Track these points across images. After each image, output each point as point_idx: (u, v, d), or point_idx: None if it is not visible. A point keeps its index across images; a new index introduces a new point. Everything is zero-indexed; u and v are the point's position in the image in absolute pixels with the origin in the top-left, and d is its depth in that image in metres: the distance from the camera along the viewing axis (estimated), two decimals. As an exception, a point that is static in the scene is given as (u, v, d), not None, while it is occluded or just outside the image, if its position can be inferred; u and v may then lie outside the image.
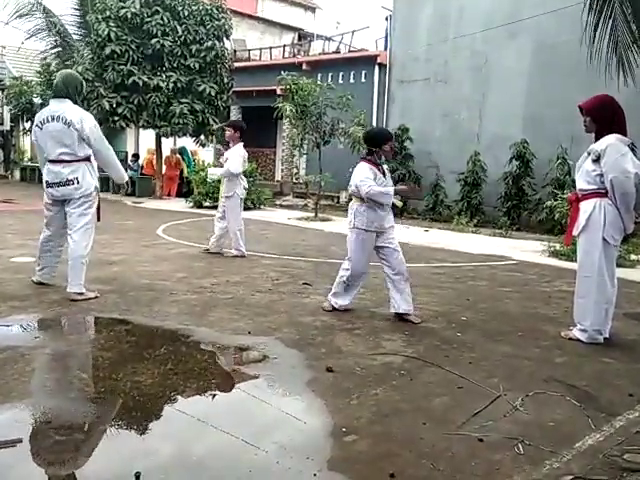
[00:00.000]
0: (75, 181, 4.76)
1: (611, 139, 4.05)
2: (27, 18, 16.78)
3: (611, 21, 6.75)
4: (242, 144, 7.29)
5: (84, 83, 5.19)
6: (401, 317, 4.65)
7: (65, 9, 17.81)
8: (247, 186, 7.65)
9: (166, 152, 16.57)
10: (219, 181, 7.68)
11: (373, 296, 5.36)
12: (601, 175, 4.07)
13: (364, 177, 4.62)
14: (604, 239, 4.08)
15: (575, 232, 4.28)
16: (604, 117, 4.14)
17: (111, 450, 2.51)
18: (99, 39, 13.76)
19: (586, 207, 4.16)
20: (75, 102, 4.88)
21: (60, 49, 17.59)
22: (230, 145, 7.38)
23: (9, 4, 16.43)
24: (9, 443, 2.45)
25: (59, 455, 2.43)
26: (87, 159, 4.85)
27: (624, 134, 4.11)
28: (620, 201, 4.04)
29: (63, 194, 4.82)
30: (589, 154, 4.17)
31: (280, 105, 12.30)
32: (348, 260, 4.80)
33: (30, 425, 2.67)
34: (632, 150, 4.16)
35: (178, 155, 17.01)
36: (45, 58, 18.36)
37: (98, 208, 4.94)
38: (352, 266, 4.76)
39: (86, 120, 4.76)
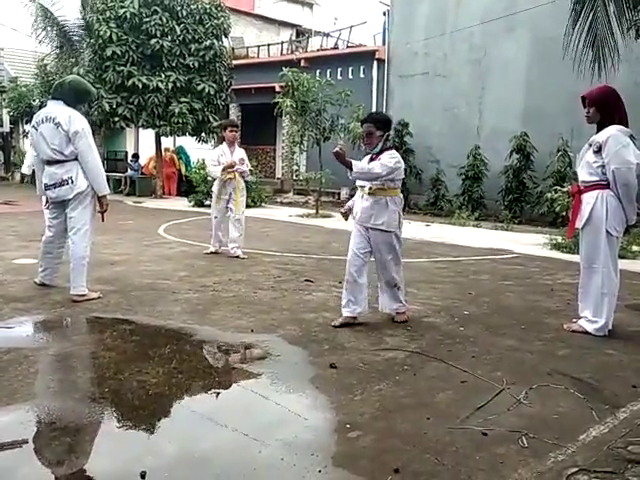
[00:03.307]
0: (69, 181, 4.75)
1: (612, 130, 4.04)
2: (38, 23, 16.68)
3: (591, 14, 6.70)
4: None
5: (91, 91, 5.05)
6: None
7: (68, 10, 17.69)
8: None
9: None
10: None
11: (375, 292, 5.35)
12: (603, 166, 4.06)
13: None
14: (607, 231, 4.07)
15: (578, 224, 4.26)
16: (608, 107, 4.12)
17: (116, 449, 2.52)
18: (100, 40, 13.74)
19: (588, 199, 4.15)
20: (70, 105, 4.81)
21: (59, 50, 17.51)
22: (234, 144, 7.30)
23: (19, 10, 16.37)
24: (14, 444, 2.46)
25: (64, 455, 2.43)
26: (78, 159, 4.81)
27: (626, 125, 4.10)
28: (622, 192, 4.03)
29: (58, 195, 4.81)
30: (590, 145, 4.16)
31: (280, 101, 12.28)
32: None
33: (35, 426, 2.68)
34: (632, 141, 4.15)
35: (172, 153, 17.02)
36: (43, 59, 18.29)
37: (104, 210, 4.92)
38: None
39: (75, 121, 4.70)
